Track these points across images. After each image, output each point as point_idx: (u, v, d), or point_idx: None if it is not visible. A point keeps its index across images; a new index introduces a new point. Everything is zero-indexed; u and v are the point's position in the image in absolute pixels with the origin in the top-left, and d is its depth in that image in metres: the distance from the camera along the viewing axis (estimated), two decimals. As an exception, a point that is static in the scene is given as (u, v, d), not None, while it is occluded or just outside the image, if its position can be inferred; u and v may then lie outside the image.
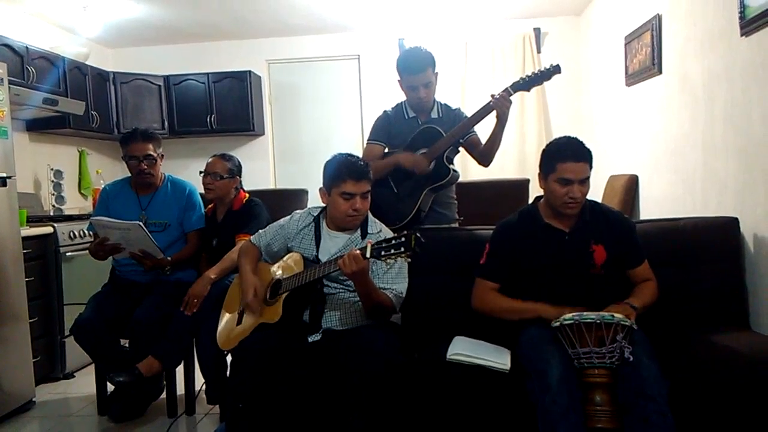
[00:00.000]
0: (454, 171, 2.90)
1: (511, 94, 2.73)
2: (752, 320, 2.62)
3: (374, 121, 3.06)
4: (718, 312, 2.56)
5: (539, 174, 2.39)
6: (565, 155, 2.27)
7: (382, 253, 2.08)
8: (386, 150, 2.98)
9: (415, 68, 2.84)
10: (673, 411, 1.94)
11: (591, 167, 2.30)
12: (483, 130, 2.94)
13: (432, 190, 2.89)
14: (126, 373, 2.82)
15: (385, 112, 3.06)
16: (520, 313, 2.31)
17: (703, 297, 2.57)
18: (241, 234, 3.01)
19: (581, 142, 2.33)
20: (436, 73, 2.90)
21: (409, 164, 2.83)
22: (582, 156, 2.27)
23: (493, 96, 2.74)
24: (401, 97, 3.02)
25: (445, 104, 3.03)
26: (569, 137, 2.36)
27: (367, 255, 2.12)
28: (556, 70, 2.70)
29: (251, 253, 2.67)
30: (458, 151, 3.03)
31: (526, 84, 2.74)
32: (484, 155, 2.95)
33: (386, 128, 2.99)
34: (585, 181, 2.28)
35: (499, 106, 2.73)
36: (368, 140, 3.03)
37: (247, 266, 2.59)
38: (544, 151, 2.37)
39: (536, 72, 2.74)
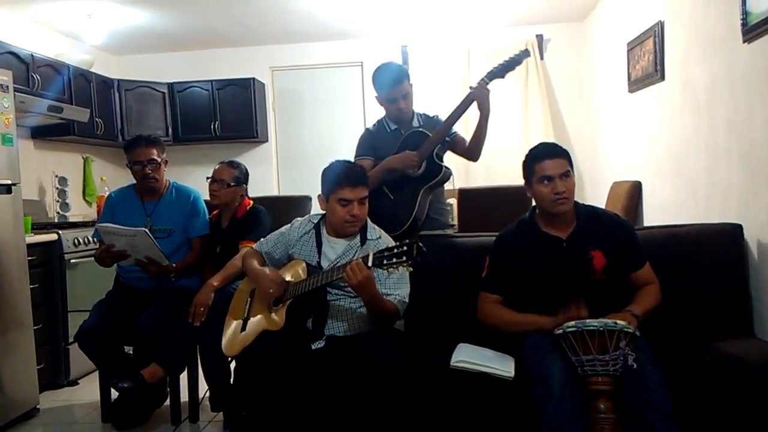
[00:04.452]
0: (446, 168, 2.95)
1: (488, 83, 2.81)
2: (756, 327, 2.61)
3: (358, 139, 3.13)
4: (721, 319, 2.55)
5: (525, 184, 2.42)
6: (541, 155, 2.35)
7: (384, 262, 2.09)
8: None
9: (393, 81, 2.94)
10: (677, 418, 1.94)
11: (571, 165, 2.35)
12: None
13: (427, 189, 2.93)
14: (130, 380, 2.82)
15: (367, 129, 3.17)
16: (520, 326, 2.33)
17: (706, 304, 2.56)
18: (244, 241, 3.02)
19: (554, 143, 2.44)
20: (411, 84, 2.99)
21: (397, 163, 2.88)
22: (556, 153, 2.34)
23: (471, 87, 2.83)
24: None
25: (424, 113, 3.11)
26: (545, 142, 2.49)
27: (369, 264, 2.13)
28: (525, 54, 2.84)
29: (255, 256, 2.68)
30: (446, 149, 3.08)
31: (500, 71, 2.83)
32: (471, 150, 3.01)
33: (371, 143, 3.06)
34: (567, 176, 2.31)
35: (478, 95, 2.80)
36: (355, 157, 3.05)
37: (253, 263, 2.60)
38: (523, 161, 2.42)
39: (507, 59, 2.84)
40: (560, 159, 2.32)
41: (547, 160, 2.32)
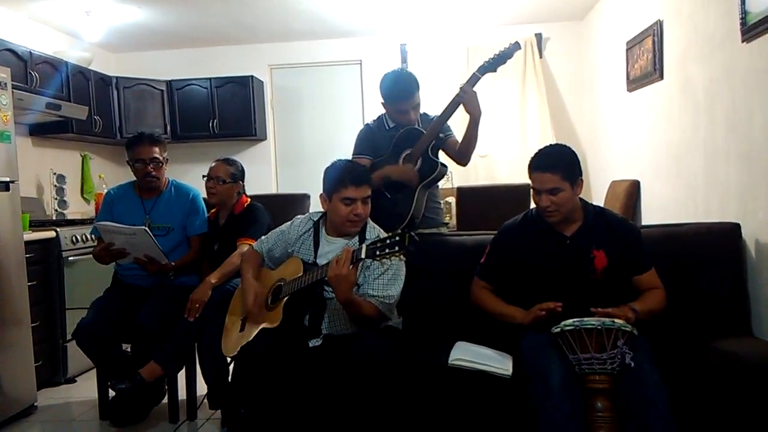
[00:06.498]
0: (442, 165, 2.94)
1: (479, 78, 2.78)
2: (754, 326, 2.62)
3: (357, 134, 3.09)
4: (719, 318, 2.55)
5: None
6: (533, 166, 2.32)
7: (377, 252, 2.09)
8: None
9: (405, 94, 2.89)
10: (675, 417, 1.94)
11: (567, 177, 2.26)
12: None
13: (424, 186, 2.93)
14: (128, 380, 2.82)
15: (367, 125, 3.14)
16: (499, 317, 2.36)
17: (704, 303, 2.56)
18: (242, 238, 3.02)
19: (556, 150, 2.35)
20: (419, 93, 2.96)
21: (397, 175, 2.88)
22: (545, 167, 2.27)
23: (461, 87, 2.80)
24: None
25: (424, 113, 3.08)
26: (550, 146, 2.42)
27: (362, 255, 2.13)
28: (515, 47, 2.79)
29: (253, 259, 2.68)
30: (439, 148, 3.07)
31: (491, 65, 2.79)
32: (461, 153, 2.99)
33: (370, 141, 3.04)
34: (554, 191, 2.26)
35: (465, 98, 2.77)
36: (354, 155, 3.03)
37: (248, 273, 2.61)
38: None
39: (498, 53, 2.79)
40: (549, 174, 2.25)
41: (536, 173, 2.29)
